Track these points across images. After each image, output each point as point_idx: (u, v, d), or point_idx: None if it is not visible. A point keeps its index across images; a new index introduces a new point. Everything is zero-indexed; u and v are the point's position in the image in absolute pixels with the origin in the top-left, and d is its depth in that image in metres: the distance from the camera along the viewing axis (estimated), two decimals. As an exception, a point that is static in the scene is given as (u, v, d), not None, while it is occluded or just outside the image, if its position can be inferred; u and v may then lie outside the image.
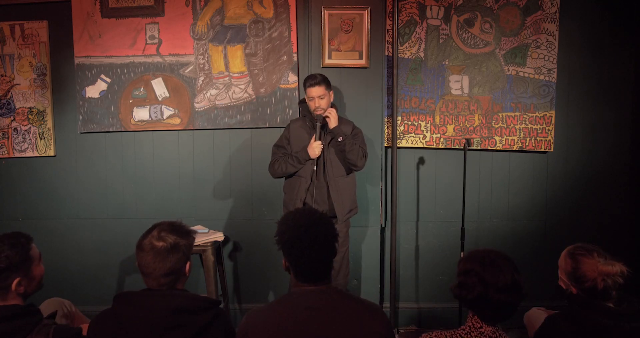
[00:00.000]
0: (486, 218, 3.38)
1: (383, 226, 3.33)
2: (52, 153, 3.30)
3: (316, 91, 2.76)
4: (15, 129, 3.29)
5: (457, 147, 3.29)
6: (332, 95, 2.87)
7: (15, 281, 1.62)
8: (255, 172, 3.30)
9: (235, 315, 3.33)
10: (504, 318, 1.52)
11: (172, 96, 3.26)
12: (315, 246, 1.52)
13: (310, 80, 2.78)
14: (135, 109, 3.26)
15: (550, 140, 3.30)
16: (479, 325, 1.52)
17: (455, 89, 3.28)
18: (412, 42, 3.24)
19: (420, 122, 3.29)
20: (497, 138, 3.30)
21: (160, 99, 3.26)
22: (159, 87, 3.26)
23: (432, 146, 3.31)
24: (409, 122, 3.29)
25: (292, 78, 3.24)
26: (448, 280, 3.36)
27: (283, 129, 2.99)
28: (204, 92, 3.25)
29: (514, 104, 3.29)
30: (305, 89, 2.82)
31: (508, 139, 3.30)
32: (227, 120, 3.26)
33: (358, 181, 3.00)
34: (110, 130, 3.28)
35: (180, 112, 3.26)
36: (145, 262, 1.56)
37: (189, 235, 1.66)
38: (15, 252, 1.62)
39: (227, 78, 3.25)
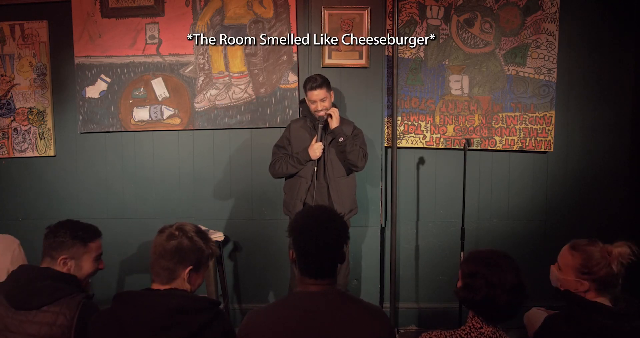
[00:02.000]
0: (486, 218, 3.38)
1: (383, 226, 3.33)
2: (52, 153, 3.30)
3: (317, 94, 2.75)
4: (15, 129, 3.29)
5: (457, 147, 3.29)
6: (333, 95, 2.86)
7: (61, 257, 1.74)
8: (255, 172, 3.30)
9: (235, 315, 3.33)
10: (508, 318, 1.51)
11: (172, 96, 3.26)
12: (324, 240, 1.51)
13: (311, 83, 2.76)
14: (135, 109, 3.26)
15: (550, 140, 3.30)
16: (479, 326, 1.52)
17: (455, 89, 3.28)
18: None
19: (420, 122, 3.29)
20: (497, 138, 3.30)
21: (160, 99, 3.26)
22: (159, 87, 3.26)
23: (432, 146, 3.31)
24: (409, 122, 3.29)
25: (292, 78, 3.24)
26: (448, 280, 3.36)
27: (283, 129, 2.99)
28: (204, 92, 3.25)
29: (514, 104, 3.29)
30: (305, 92, 2.81)
31: (508, 139, 3.30)
32: (227, 120, 3.26)
33: (358, 181, 3.00)
34: (110, 130, 3.28)
35: (180, 112, 3.26)
36: (156, 243, 1.61)
37: (208, 241, 1.68)
38: (74, 234, 1.77)
39: (227, 78, 3.25)
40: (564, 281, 1.77)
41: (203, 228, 3.03)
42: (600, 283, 1.69)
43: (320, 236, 1.51)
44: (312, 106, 2.79)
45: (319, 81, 2.75)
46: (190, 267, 1.61)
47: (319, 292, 1.52)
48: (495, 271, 1.49)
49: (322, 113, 2.76)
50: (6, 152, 3.29)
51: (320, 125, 2.77)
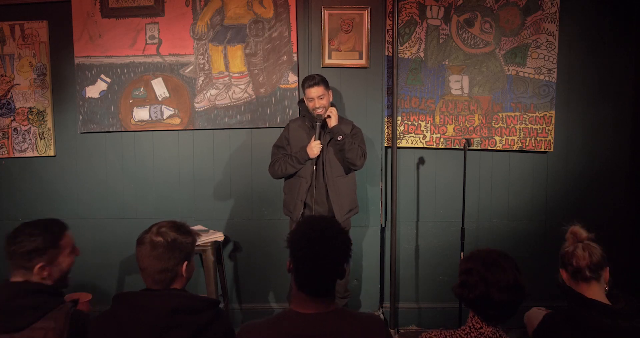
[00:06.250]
0: (486, 218, 3.38)
1: (383, 226, 3.33)
2: (52, 153, 3.30)
3: (316, 91, 2.76)
4: (15, 129, 3.29)
5: (457, 147, 3.29)
6: (331, 95, 2.87)
7: (37, 266, 1.63)
8: (255, 172, 3.30)
9: (235, 315, 3.33)
10: (505, 318, 1.51)
11: (172, 96, 3.26)
12: (323, 258, 1.45)
13: (309, 81, 2.78)
14: (135, 109, 3.26)
15: (550, 140, 3.30)
16: (479, 326, 1.52)
17: (455, 89, 3.28)
18: (412, 42, 3.24)
19: (420, 122, 3.29)
20: (497, 138, 3.30)
21: (160, 99, 3.26)
22: (159, 87, 3.26)
23: (432, 146, 3.31)
24: (409, 122, 3.29)
25: (292, 78, 3.24)
26: (448, 280, 3.36)
27: (283, 129, 2.99)
28: (204, 92, 3.25)
29: (514, 104, 3.29)
30: (304, 90, 2.82)
31: (508, 139, 3.30)
32: (227, 120, 3.26)
33: (358, 181, 3.00)
34: (110, 130, 3.28)
35: (180, 112, 3.26)
36: (141, 256, 1.57)
37: (190, 234, 1.65)
38: (43, 238, 1.64)
39: (227, 78, 3.25)
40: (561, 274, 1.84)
41: (203, 228, 3.05)
42: (572, 275, 1.74)
43: (318, 259, 1.45)
44: (310, 104, 2.79)
45: (317, 79, 2.78)
46: (186, 262, 1.62)
47: (315, 315, 1.46)
48: (490, 269, 1.49)
49: (320, 111, 2.77)
50: (6, 152, 3.29)
51: (318, 124, 2.77)
